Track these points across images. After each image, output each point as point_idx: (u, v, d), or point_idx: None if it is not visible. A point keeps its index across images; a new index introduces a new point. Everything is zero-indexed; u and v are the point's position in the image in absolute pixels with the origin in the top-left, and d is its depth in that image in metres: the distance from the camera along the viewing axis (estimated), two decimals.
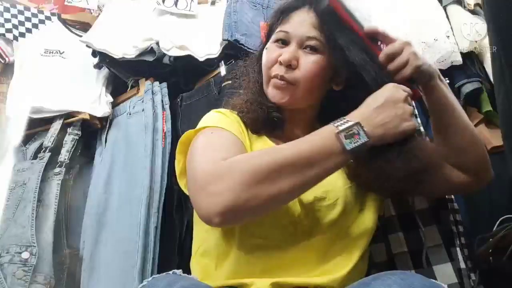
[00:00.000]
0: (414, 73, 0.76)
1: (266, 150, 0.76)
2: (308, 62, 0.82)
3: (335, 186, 0.82)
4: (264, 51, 0.88)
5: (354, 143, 0.68)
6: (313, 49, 0.82)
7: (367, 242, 0.83)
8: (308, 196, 0.78)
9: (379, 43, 0.80)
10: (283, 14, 0.87)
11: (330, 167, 0.70)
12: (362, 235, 0.82)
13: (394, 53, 0.76)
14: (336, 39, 0.79)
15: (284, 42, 0.85)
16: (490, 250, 0.94)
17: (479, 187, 0.94)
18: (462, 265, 0.94)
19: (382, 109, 0.71)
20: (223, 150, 0.73)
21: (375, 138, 0.70)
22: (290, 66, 0.81)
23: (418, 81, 0.79)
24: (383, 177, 0.76)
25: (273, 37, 0.87)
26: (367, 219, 0.84)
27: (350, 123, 0.69)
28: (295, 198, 0.74)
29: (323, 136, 0.70)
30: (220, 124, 0.81)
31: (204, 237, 0.84)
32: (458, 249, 0.96)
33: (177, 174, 0.87)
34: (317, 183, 0.71)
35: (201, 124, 0.83)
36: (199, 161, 0.73)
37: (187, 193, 0.81)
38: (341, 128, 0.69)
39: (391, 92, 0.73)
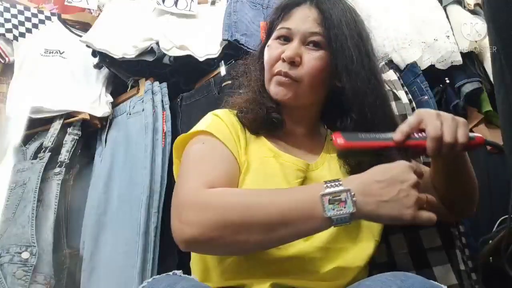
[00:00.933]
0: (466, 142, 0.69)
1: (245, 194, 0.72)
2: (312, 59, 0.81)
3: None
4: (266, 49, 0.87)
5: (337, 210, 0.61)
6: (316, 45, 0.82)
7: (372, 251, 0.81)
8: None
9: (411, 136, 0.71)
10: (284, 11, 0.87)
11: (304, 230, 0.65)
12: (367, 243, 0.81)
13: (436, 138, 0.67)
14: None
15: (286, 39, 0.84)
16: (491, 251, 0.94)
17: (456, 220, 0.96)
18: (462, 266, 0.95)
19: (384, 184, 0.62)
20: (209, 172, 0.73)
21: (362, 213, 0.62)
22: (293, 63, 0.81)
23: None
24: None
25: (275, 34, 0.86)
26: (372, 227, 0.82)
27: (339, 188, 0.62)
28: (262, 250, 0.72)
29: (306, 194, 0.64)
30: (215, 131, 0.80)
31: None
32: (457, 250, 0.97)
33: (174, 174, 0.87)
34: (284, 244, 0.69)
35: (197, 127, 0.84)
36: (183, 184, 0.73)
37: None
38: (328, 190, 0.62)
39: (402, 171, 0.63)
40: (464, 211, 0.90)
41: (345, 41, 0.80)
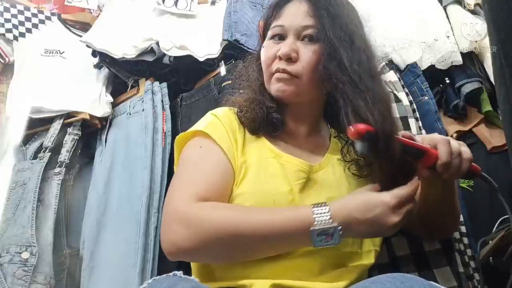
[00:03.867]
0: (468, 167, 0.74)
1: (234, 211, 0.73)
2: (309, 53, 0.80)
3: (341, 192, 0.81)
4: (262, 49, 0.86)
5: (324, 242, 0.67)
6: (311, 39, 0.80)
7: (374, 255, 0.82)
8: (313, 201, 0.78)
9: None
10: (276, 9, 0.86)
11: (289, 249, 0.73)
12: (368, 247, 0.81)
13: (447, 162, 0.72)
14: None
15: (281, 37, 0.83)
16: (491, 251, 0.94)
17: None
18: (461, 269, 0.95)
19: (365, 223, 0.68)
20: (202, 181, 0.76)
21: (346, 239, 0.72)
22: (290, 59, 0.80)
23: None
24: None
25: (269, 34, 0.86)
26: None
27: (329, 224, 0.67)
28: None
29: (296, 223, 0.68)
30: (212, 132, 0.81)
31: None
32: (456, 253, 0.97)
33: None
34: (272, 254, 0.73)
35: (196, 126, 0.84)
36: (175, 194, 0.76)
37: None
38: (318, 226, 0.67)
39: (382, 213, 0.68)
40: (439, 234, 0.95)
41: (339, 31, 0.78)
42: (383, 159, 0.71)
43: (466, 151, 0.74)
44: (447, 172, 0.72)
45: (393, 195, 0.68)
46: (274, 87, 0.82)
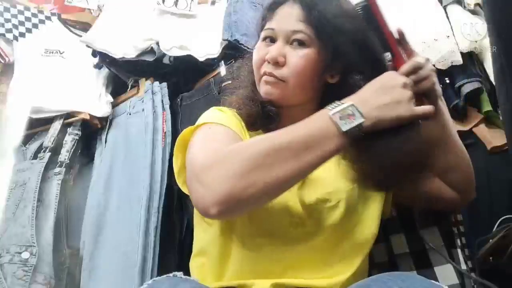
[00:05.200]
0: (431, 89, 0.76)
1: (262, 136, 0.73)
2: (296, 57, 0.79)
3: (337, 188, 0.81)
4: (254, 51, 0.86)
5: (349, 123, 0.65)
6: (301, 43, 0.80)
7: (370, 247, 0.83)
8: (311, 197, 0.78)
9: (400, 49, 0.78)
10: (269, 11, 0.86)
11: (327, 150, 0.66)
12: (365, 240, 0.82)
13: (419, 66, 0.75)
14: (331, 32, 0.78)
15: (272, 40, 0.83)
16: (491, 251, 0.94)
17: (463, 205, 0.96)
18: (463, 266, 0.94)
19: (378, 92, 0.69)
20: (222, 142, 0.73)
21: (371, 120, 0.67)
22: (277, 63, 0.80)
23: (429, 98, 0.78)
24: (382, 166, 0.72)
25: (261, 35, 0.86)
26: (371, 223, 0.83)
27: (344, 105, 0.67)
28: (293, 185, 0.70)
29: (318, 119, 0.68)
30: (219, 120, 0.80)
31: (203, 238, 0.84)
32: (459, 250, 0.96)
33: (175, 171, 0.86)
34: (314, 169, 0.68)
35: (200, 120, 0.83)
36: (197, 151, 0.73)
37: (185, 191, 0.81)
38: (335, 110, 0.67)
39: (389, 78, 0.71)
40: (465, 193, 0.91)
41: (334, 36, 0.78)
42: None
43: (430, 75, 0.76)
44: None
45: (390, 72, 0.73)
46: (262, 89, 0.82)
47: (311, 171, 0.68)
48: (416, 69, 0.74)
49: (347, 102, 0.67)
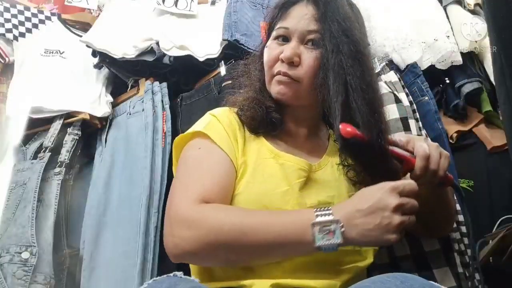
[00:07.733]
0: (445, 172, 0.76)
1: (238, 214, 0.72)
2: (311, 58, 0.79)
3: (339, 191, 0.81)
4: (265, 49, 0.86)
5: (326, 240, 0.65)
6: (315, 44, 0.80)
7: (372, 253, 0.83)
8: (312, 200, 0.78)
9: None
10: (282, 10, 0.86)
11: (295, 253, 0.71)
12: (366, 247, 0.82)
13: (427, 157, 0.73)
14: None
15: (285, 39, 0.83)
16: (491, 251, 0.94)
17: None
18: (460, 269, 0.95)
19: (366, 213, 0.65)
20: (203, 183, 0.75)
21: (348, 242, 0.66)
22: (292, 63, 0.80)
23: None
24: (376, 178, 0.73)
25: (273, 34, 0.85)
26: None
27: (329, 218, 0.66)
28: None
29: (298, 222, 0.67)
30: (211, 133, 0.80)
31: None
32: (455, 254, 0.96)
33: (174, 171, 0.87)
34: (275, 260, 0.73)
35: (194, 127, 0.84)
36: (177, 196, 0.75)
37: None
38: (319, 219, 0.66)
39: (382, 197, 0.66)
40: (439, 232, 0.95)
41: (344, 38, 0.77)
42: (363, 163, 0.76)
43: (443, 164, 0.74)
44: (428, 173, 0.74)
45: (390, 182, 0.69)
46: (275, 89, 0.82)
47: (270, 260, 0.73)
48: (426, 166, 0.73)
49: (335, 214, 0.66)
